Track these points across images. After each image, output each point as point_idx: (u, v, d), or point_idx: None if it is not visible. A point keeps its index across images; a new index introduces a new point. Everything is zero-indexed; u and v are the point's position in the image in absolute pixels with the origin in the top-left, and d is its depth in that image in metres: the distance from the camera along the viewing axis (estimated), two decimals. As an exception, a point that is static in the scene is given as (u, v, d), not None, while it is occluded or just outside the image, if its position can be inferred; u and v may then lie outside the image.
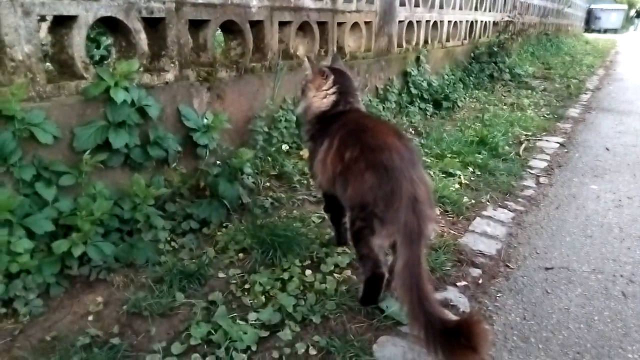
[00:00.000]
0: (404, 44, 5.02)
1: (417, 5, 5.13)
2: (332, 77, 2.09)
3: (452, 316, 1.73)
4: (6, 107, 1.81)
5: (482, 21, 7.40)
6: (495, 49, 7.19)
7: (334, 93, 2.09)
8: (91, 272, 1.94)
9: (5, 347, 1.59)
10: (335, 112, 2.07)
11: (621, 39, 21.02)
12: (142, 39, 2.34)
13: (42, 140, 1.91)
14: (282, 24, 3.24)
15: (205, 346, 1.63)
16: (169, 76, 2.48)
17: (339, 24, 3.83)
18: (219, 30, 2.93)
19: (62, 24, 2.09)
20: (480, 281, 2.14)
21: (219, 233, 2.34)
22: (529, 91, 6.64)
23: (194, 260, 2.09)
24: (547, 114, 5.46)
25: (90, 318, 1.75)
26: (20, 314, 1.71)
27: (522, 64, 8.05)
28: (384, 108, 4.39)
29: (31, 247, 1.76)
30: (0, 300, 1.69)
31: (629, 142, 4.56)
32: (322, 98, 2.09)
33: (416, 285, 1.53)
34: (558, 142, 4.42)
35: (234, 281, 1.99)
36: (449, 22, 6.10)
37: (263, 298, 1.88)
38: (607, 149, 4.33)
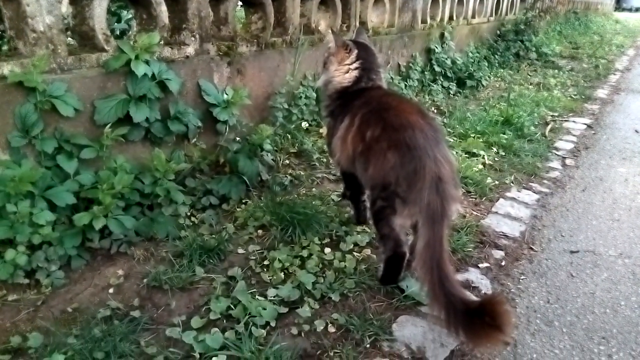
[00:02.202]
0: (428, 20, 4.88)
1: (442, -20, 4.98)
2: (355, 52, 2.03)
3: (473, 297, 1.69)
4: (28, 78, 1.80)
5: (509, -3, 7.17)
6: (522, 27, 6.97)
7: (356, 68, 2.03)
8: (112, 245, 1.96)
9: (28, 317, 1.62)
10: (357, 88, 2.02)
11: (653, 18, 20.22)
12: (162, 12, 2.30)
13: (64, 113, 1.91)
14: (304, -2, 3.17)
15: (224, 321, 1.63)
16: (190, 50, 2.45)
17: (362, -2, 3.74)
18: (240, 3, 2.88)
19: (82, -5, 2.07)
20: (503, 263, 2.10)
21: (238, 209, 2.33)
22: (556, 71, 6.44)
23: (213, 236, 2.09)
24: (574, 95, 5.29)
25: (110, 291, 1.77)
26: (43, 285, 1.73)
27: (549, 42, 7.80)
28: (406, 86, 4.30)
29: (53, 219, 1.77)
30: (23, 271, 1.71)
31: (660, 125, 4.41)
32: (344, 73, 2.04)
33: (437, 265, 1.50)
34: (585, 124, 4.28)
35: (253, 257, 1.98)
36: (475, -2, 5.92)
37: (282, 275, 1.87)
38: (637, 132, 4.19)
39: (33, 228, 1.73)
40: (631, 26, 14.72)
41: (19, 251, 1.68)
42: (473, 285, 1.93)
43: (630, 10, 23.89)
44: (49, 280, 1.75)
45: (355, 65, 2.03)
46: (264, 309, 1.66)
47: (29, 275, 1.74)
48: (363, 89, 2.02)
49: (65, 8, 2.17)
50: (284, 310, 1.69)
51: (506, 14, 7.20)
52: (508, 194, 2.76)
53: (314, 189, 2.62)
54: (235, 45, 2.68)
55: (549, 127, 4.05)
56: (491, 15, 6.61)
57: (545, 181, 3.00)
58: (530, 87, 5.43)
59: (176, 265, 1.89)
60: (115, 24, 3.36)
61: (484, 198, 2.68)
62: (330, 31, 2.17)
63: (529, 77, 6.00)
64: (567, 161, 3.37)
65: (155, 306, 1.71)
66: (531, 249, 2.24)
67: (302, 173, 2.76)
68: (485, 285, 1.93)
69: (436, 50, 4.90)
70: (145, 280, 1.81)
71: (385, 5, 4.07)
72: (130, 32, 2.28)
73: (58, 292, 1.74)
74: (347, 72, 2.03)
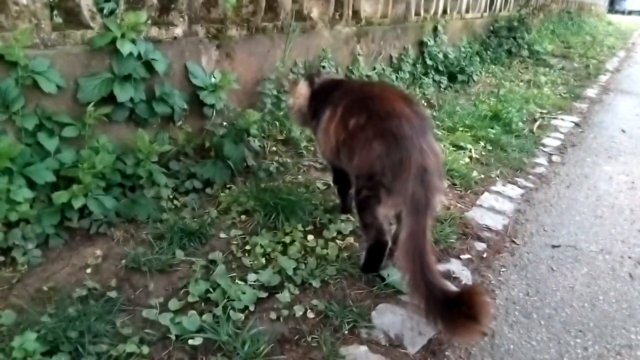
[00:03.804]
0: (422, 13, 4.86)
1: (437, -28, 4.96)
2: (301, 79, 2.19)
3: (453, 288, 1.70)
4: (9, 52, 1.76)
5: (503, -6, 7.17)
6: (515, 24, 6.98)
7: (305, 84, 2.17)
8: (91, 226, 1.93)
9: (2, 295, 1.59)
10: (320, 87, 2.09)
11: (645, 21, 20.38)
12: (150, -10, 2.26)
13: (46, 89, 1.87)
14: (297, -16, 3.13)
15: (202, 304, 1.62)
16: (178, 31, 2.41)
17: (356, -13, 3.71)
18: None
19: (68, -31, 2.02)
20: (484, 255, 2.10)
21: (222, 194, 2.31)
22: (547, 69, 6.47)
23: (195, 220, 2.07)
24: (564, 93, 5.32)
25: (88, 271, 1.74)
26: (19, 263, 1.71)
27: (541, 40, 7.82)
28: (397, 78, 4.29)
29: (31, 196, 1.74)
30: (-1, 248, 1.68)
31: (647, 125, 4.45)
32: (298, 94, 2.16)
33: (419, 255, 1.50)
34: (573, 122, 4.31)
35: (235, 242, 1.97)
36: (470, -8, 5.91)
37: (263, 260, 1.86)
38: (623, 131, 4.22)
39: (10, 205, 1.69)
40: (623, 28, 14.85)
41: (-5, 228, 1.66)
42: (454, 276, 1.93)
43: (623, 12, 24.06)
44: (25, 258, 1.72)
45: (302, 83, 2.17)
46: (244, 293, 1.65)
47: (5, 253, 1.72)
48: (328, 84, 2.09)
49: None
50: (264, 295, 1.68)
51: (500, 10, 7.20)
52: (493, 188, 2.77)
53: (299, 177, 2.60)
54: (225, 28, 2.65)
55: (537, 123, 4.07)
56: (485, 11, 6.60)
57: (530, 176, 3.02)
58: (521, 84, 5.45)
59: (156, 247, 1.87)
60: (104, 2, 3.30)
61: (469, 191, 2.68)
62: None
63: (520, 74, 6.02)
64: (554, 158, 3.39)
65: (132, 287, 1.69)
66: (513, 242, 2.25)
67: (288, 160, 2.74)
68: (466, 276, 1.94)
69: (429, 43, 4.89)
70: (123, 261, 1.79)
71: (379, -5, 4.05)
72: (117, 11, 2.24)
73: (34, 270, 1.72)
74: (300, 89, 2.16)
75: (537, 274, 2.03)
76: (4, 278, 1.65)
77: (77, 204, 1.81)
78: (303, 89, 2.14)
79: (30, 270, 1.71)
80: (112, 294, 1.62)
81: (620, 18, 19.84)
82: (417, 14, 4.78)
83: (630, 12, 24.56)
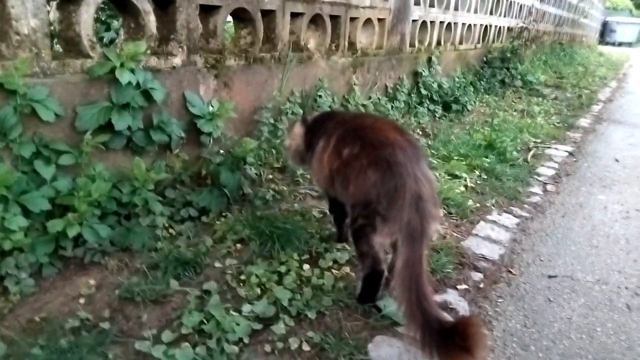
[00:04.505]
0: (417, 44, 4.96)
1: (431, 5, 5.07)
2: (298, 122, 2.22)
3: (449, 318, 1.68)
4: (9, 81, 1.77)
5: (496, 26, 7.32)
6: (508, 55, 7.12)
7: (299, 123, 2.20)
8: (85, 254, 1.91)
9: (-7, 325, 1.56)
10: (313, 121, 2.13)
11: (636, 52, 20.82)
12: (151, 21, 2.30)
13: (44, 118, 1.88)
14: (294, 15, 3.20)
15: (196, 336, 1.59)
16: (177, 61, 2.44)
17: (352, 19, 3.78)
18: (230, 17, 2.89)
19: (70, 0, 2.05)
20: (481, 285, 2.09)
21: (217, 222, 2.30)
22: (540, 99, 6.57)
23: (190, 248, 2.05)
24: (557, 123, 5.39)
25: (81, 301, 1.72)
26: (11, 292, 1.68)
27: (534, 71, 7.97)
28: (392, 107, 4.34)
29: (26, 225, 1.73)
30: (-9, 277, 1.66)
31: (640, 155, 4.50)
32: (293, 137, 2.19)
33: (415, 285, 1.49)
34: (567, 151, 4.35)
35: (230, 271, 1.95)
36: (463, 24, 6.04)
37: (258, 290, 1.84)
38: (617, 161, 4.26)
39: (4, 233, 1.68)
40: (614, 59, 15.15)
41: (-12, 257, 1.64)
42: (451, 306, 1.91)
43: (613, 44, 24.59)
44: (18, 287, 1.70)
45: (298, 125, 2.20)
46: (238, 324, 1.62)
47: (-3, 282, 1.69)
48: (321, 117, 2.13)
49: (52, 13, 2.16)
50: (259, 326, 1.65)
51: (493, 42, 7.35)
52: (489, 217, 2.77)
53: (296, 205, 2.60)
54: (223, 58, 2.69)
55: (531, 152, 4.10)
56: (478, 42, 6.74)
57: (525, 205, 3.03)
58: (515, 113, 5.51)
59: (150, 277, 1.85)
60: (105, 32, 3.36)
61: (465, 220, 2.69)
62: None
63: (513, 103, 6.10)
64: (548, 187, 3.41)
65: (126, 318, 1.66)
66: (510, 272, 2.24)
67: (284, 188, 2.75)
68: (463, 307, 1.92)
69: (423, 73, 4.96)
70: (117, 291, 1.77)
71: (375, 27, 4.13)
72: (117, 40, 2.27)
73: (27, 300, 1.69)
74: (296, 130, 2.19)
75: (534, 304, 2.02)
76: (-5, 308, 1.63)
77: (72, 232, 1.80)
78: (298, 129, 2.17)
79: (23, 300, 1.68)
80: (105, 325, 1.59)
81: (611, 49, 20.27)
82: (412, 45, 4.87)
83: (620, 44, 25.11)
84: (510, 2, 7.67)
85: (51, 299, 1.72)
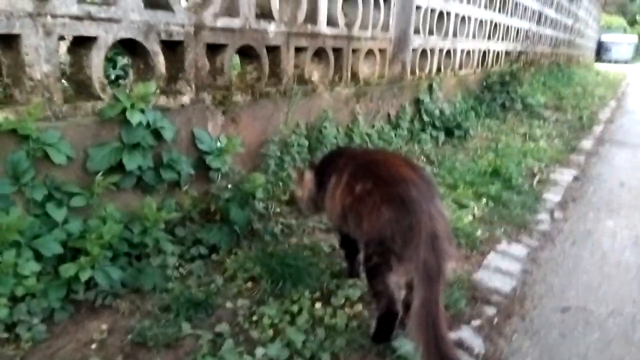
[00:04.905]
0: (417, 71, 5.02)
1: (431, 33, 5.15)
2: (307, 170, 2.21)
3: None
4: (22, 126, 1.80)
5: (494, 50, 7.41)
6: (507, 78, 7.17)
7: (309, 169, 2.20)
8: (97, 298, 1.90)
9: (5, 375, 1.55)
10: (321, 162, 2.15)
11: (631, 70, 21.01)
12: (160, 62, 2.33)
13: (56, 161, 1.89)
14: (298, 50, 3.24)
15: (211, 381, 1.58)
16: (185, 99, 2.47)
17: (354, 50, 3.84)
18: (236, 54, 2.93)
19: (81, 44, 2.09)
20: (495, 321, 2.07)
21: (227, 260, 2.29)
22: (541, 121, 6.60)
23: (201, 288, 2.05)
24: (560, 146, 5.40)
25: (93, 346, 1.70)
26: (23, 339, 1.67)
27: (534, 93, 8.02)
28: (395, 135, 4.36)
29: (38, 269, 1.73)
30: (2, 324, 1.65)
31: (644, 178, 4.50)
32: (304, 185, 2.17)
33: (433, 325, 1.48)
34: (572, 175, 4.35)
35: (242, 312, 1.94)
36: (462, 50, 6.12)
37: (271, 332, 1.82)
38: (622, 184, 4.26)
39: (17, 279, 1.68)
40: (611, 78, 15.26)
41: (1, 304, 1.63)
42: (466, 345, 1.89)
43: (609, 62, 24.84)
44: (30, 334, 1.69)
45: (307, 172, 2.19)
46: (253, 369, 1.61)
47: (9, 329, 1.68)
48: (330, 155, 2.16)
49: (63, 57, 2.20)
50: (273, 370, 1.64)
51: (492, 66, 7.43)
52: (499, 247, 2.76)
53: (305, 239, 2.59)
54: (230, 94, 2.72)
55: (537, 178, 4.10)
56: (477, 67, 6.81)
57: (534, 234, 3.02)
58: (517, 137, 5.53)
59: (162, 320, 1.83)
60: (111, 69, 3.40)
61: (475, 251, 2.67)
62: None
63: (515, 127, 6.12)
64: (556, 214, 3.40)
65: (139, 364, 1.65)
66: (522, 305, 2.22)
67: (293, 222, 2.74)
68: (478, 345, 1.90)
69: (425, 100, 5.00)
70: (129, 336, 1.75)
71: (376, 58, 4.18)
72: (126, 80, 2.30)
73: (39, 346, 1.68)
74: (306, 178, 2.17)
75: (549, 339, 1.99)
76: (7, 356, 1.61)
77: (85, 276, 1.80)
78: (308, 175, 2.17)
79: (35, 347, 1.67)
80: (118, 372, 1.58)
81: (608, 67, 20.45)
82: (413, 72, 4.93)
83: (616, 61, 25.37)
84: (508, 26, 7.78)
85: (63, 344, 1.70)
